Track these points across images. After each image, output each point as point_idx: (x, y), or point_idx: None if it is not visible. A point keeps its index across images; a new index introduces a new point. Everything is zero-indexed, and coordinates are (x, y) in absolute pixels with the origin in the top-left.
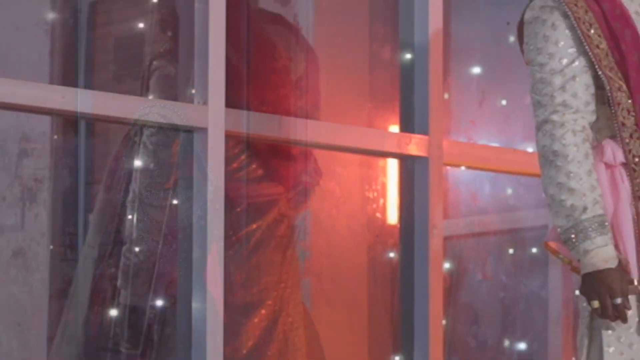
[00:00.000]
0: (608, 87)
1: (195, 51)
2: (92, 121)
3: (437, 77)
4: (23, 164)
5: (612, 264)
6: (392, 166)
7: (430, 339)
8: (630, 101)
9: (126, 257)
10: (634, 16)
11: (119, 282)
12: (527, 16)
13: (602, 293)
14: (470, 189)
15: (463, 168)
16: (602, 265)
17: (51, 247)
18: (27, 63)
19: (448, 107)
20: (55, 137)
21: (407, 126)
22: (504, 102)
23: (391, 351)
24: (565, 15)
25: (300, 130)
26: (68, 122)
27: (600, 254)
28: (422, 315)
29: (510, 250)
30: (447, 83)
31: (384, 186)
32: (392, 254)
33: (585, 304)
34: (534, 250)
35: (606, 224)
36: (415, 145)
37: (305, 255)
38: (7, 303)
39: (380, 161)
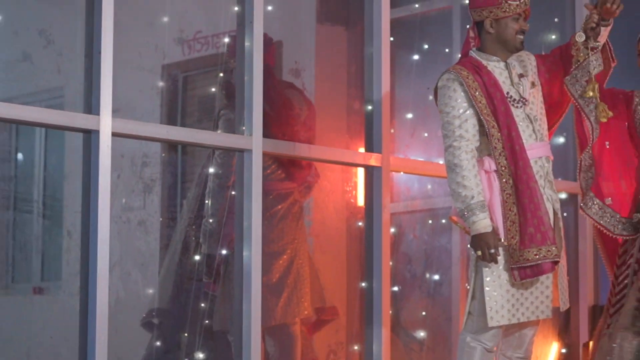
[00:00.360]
0: (487, 126)
1: (245, 104)
2: (185, 145)
3: (386, 119)
4: (144, 170)
5: (488, 229)
6: (360, 172)
7: (382, 272)
8: (499, 134)
9: (205, 225)
10: (501, 84)
11: (200, 239)
12: (439, 84)
13: (483, 246)
14: (406, 185)
15: (402, 173)
16: (483, 230)
17: (160, 219)
18: (146, 112)
19: (393, 137)
20: (163, 154)
21: (369, 148)
22: (426, 134)
23: (359, 280)
24: (461, 84)
25: (305, 150)
26: (171, 146)
27: (482, 223)
28: (377, 259)
29: (430, 221)
30: (393, 123)
31: (355, 184)
32: (360, 223)
33: (473, 253)
34: (443, 221)
35: (485, 206)
36: (374, 160)
37: (309, 224)
38: (135, 252)
39: (353, 169)
